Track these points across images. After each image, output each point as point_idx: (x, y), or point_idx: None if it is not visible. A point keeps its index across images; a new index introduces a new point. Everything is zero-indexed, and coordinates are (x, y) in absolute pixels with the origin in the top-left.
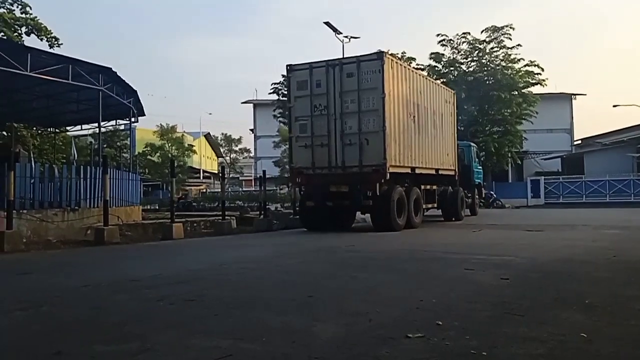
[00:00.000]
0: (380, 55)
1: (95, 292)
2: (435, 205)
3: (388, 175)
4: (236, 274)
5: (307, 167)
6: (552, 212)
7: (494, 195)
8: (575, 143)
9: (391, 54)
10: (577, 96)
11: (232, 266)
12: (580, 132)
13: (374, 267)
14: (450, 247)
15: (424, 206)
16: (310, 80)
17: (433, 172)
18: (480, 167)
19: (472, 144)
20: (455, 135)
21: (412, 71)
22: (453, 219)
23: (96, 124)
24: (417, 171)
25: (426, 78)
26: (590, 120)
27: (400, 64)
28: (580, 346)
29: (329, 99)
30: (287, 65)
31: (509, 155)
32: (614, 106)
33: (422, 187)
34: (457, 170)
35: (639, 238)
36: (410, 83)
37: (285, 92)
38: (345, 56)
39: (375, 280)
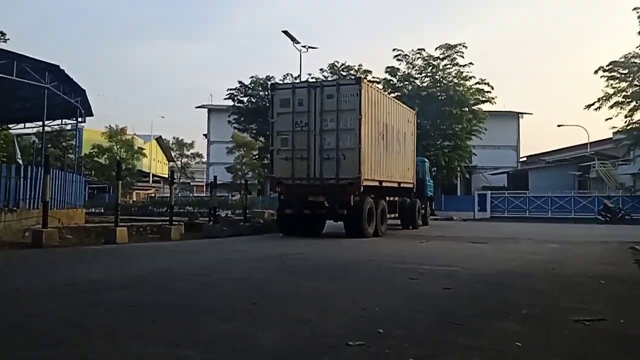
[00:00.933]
0: (358, 80)
1: (27, 297)
2: (396, 215)
3: (362, 187)
4: (179, 280)
5: (287, 178)
6: (497, 226)
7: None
8: (521, 160)
9: (367, 80)
10: (524, 115)
11: (175, 272)
12: (526, 149)
13: (322, 276)
14: (397, 257)
15: (387, 216)
16: (292, 99)
17: (396, 185)
18: (432, 181)
19: (426, 159)
20: (415, 151)
21: (383, 94)
22: (410, 227)
23: (41, 123)
24: (383, 184)
25: (393, 100)
26: (536, 138)
27: (374, 89)
28: (515, 355)
29: (309, 117)
30: (270, 84)
31: (459, 169)
32: (559, 126)
33: (387, 198)
34: (414, 183)
35: (577, 252)
36: (381, 105)
37: (241, 99)
38: (325, 80)
39: (321, 289)
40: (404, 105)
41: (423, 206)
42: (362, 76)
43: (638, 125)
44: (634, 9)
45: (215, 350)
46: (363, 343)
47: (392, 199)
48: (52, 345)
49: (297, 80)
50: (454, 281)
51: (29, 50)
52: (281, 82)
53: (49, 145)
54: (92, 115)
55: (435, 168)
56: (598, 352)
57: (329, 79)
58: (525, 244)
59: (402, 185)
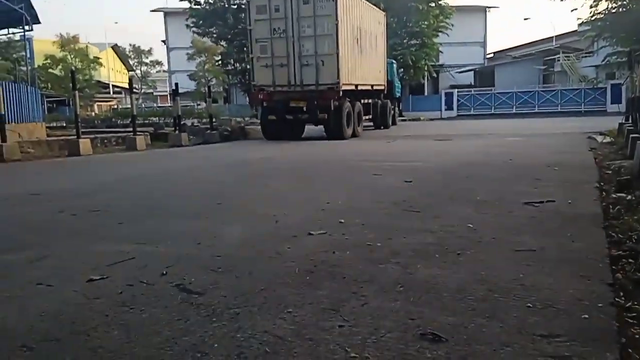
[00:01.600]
0: None
1: None
2: (370, 116)
3: (341, 92)
4: (145, 186)
5: (268, 85)
6: (463, 124)
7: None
8: (488, 56)
9: None
10: (490, 9)
11: (142, 179)
12: (494, 45)
13: (287, 177)
14: (364, 156)
15: (363, 117)
16: (269, 5)
17: (369, 87)
18: (399, 82)
19: (394, 61)
20: (385, 53)
21: None
22: (382, 127)
23: None
24: (359, 87)
25: (365, 2)
26: (503, 34)
27: None
28: (465, 235)
29: (287, 23)
30: None
31: (426, 68)
32: (525, 19)
33: (362, 100)
34: (385, 85)
35: (536, 144)
36: (355, 9)
37: (198, 0)
38: None
39: (285, 188)
40: (374, 7)
41: (392, 107)
42: None
43: (602, 15)
44: None
45: (180, 245)
46: (324, 232)
47: (366, 101)
48: (18, 248)
49: None
50: (415, 175)
51: None
52: None
53: None
54: (39, 22)
55: (402, 69)
56: (543, 228)
57: None
58: (488, 138)
59: (374, 87)
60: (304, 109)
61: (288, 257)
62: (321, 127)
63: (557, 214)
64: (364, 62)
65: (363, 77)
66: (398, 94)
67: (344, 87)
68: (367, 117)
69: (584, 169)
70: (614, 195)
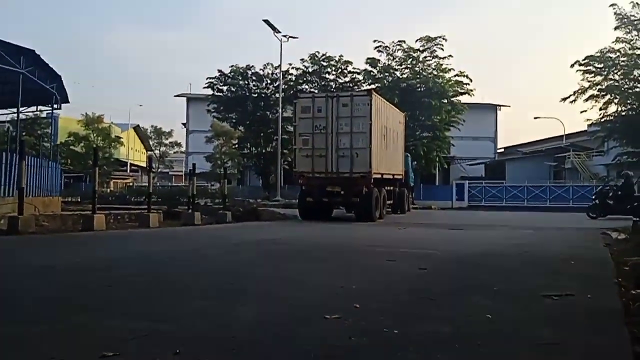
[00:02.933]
0: (369, 92)
1: (5, 277)
2: (391, 201)
3: (372, 180)
4: (158, 263)
5: (308, 172)
6: (474, 214)
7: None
8: (499, 151)
9: (375, 90)
10: (501, 107)
11: (154, 256)
12: (504, 140)
13: (300, 259)
14: (377, 242)
15: (386, 202)
16: (312, 106)
17: (391, 176)
18: (412, 173)
19: (408, 154)
20: (404, 147)
21: (384, 102)
22: (399, 212)
23: (15, 110)
24: (384, 176)
25: (391, 106)
26: (513, 130)
27: (380, 99)
28: (484, 325)
29: (327, 121)
30: (293, 93)
31: (437, 159)
32: (535, 118)
33: (385, 188)
34: (403, 175)
35: (549, 238)
36: (383, 111)
37: (220, 87)
38: (341, 91)
39: (299, 270)
40: (397, 109)
41: (408, 195)
42: (372, 89)
43: (612, 118)
44: (611, 5)
45: (194, 324)
46: (339, 316)
47: (388, 188)
48: (33, 320)
49: (317, 92)
50: (429, 262)
51: (1, 34)
52: (304, 91)
53: (24, 133)
54: (68, 102)
55: (414, 159)
56: (563, 321)
57: (342, 89)
58: (501, 230)
59: (395, 176)
60: (339, 193)
61: (303, 341)
62: (340, 211)
63: (577, 308)
64: (388, 155)
65: (387, 168)
66: (412, 183)
67: (374, 176)
68: (389, 203)
69: (600, 264)
70: (633, 292)
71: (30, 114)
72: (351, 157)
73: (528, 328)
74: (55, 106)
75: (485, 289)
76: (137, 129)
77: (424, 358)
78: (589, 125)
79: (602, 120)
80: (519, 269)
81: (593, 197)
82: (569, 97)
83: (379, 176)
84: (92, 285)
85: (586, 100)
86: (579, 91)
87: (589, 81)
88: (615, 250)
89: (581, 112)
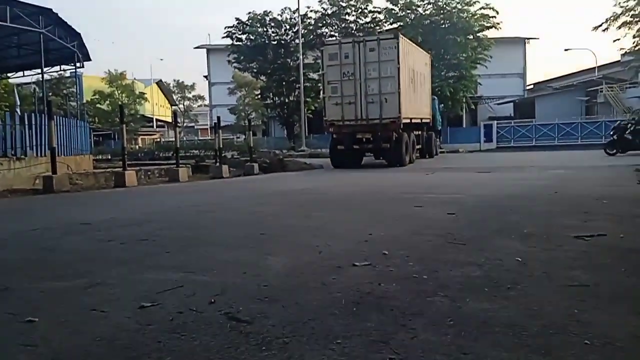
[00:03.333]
0: (396, 35)
1: (44, 235)
2: (420, 146)
3: (402, 125)
4: (190, 216)
5: (338, 120)
6: (503, 156)
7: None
8: (528, 88)
9: (402, 34)
10: (530, 40)
11: (185, 209)
12: (533, 76)
13: (329, 207)
14: (404, 187)
15: (416, 147)
16: (339, 53)
17: (419, 120)
18: (440, 116)
19: (435, 97)
20: (430, 90)
21: (411, 44)
22: (427, 156)
23: (39, 70)
24: (412, 121)
25: (417, 47)
26: (543, 65)
27: (406, 41)
28: (514, 268)
29: (355, 67)
30: (314, 38)
31: (464, 100)
32: (566, 50)
33: (414, 132)
34: (431, 119)
35: (579, 177)
36: (410, 54)
37: (239, 37)
38: (367, 35)
39: (328, 219)
40: (422, 50)
41: (435, 138)
42: (398, 31)
43: None
44: None
45: (226, 275)
46: (369, 263)
47: (417, 132)
48: (71, 275)
49: (343, 39)
50: (457, 207)
51: None
52: (331, 38)
53: (50, 93)
54: (90, 59)
55: (441, 101)
56: (595, 263)
57: (369, 34)
58: (530, 171)
59: (423, 120)
60: (370, 139)
61: (334, 288)
62: (368, 158)
63: (609, 248)
64: (416, 99)
65: (415, 112)
66: (439, 127)
67: (403, 121)
68: (418, 147)
69: (633, 203)
70: None
71: (55, 74)
72: (380, 102)
73: (558, 270)
74: (77, 64)
75: (515, 232)
76: (159, 83)
77: (453, 302)
78: (623, 55)
79: (636, 48)
80: (550, 210)
81: (611, 132)
82: (600, 25)
83: (408, 121)
84: (128, 240)
85: (619, 27)
86: (612, 18)
87: (621, 7)
88: None
89: (614, 40)
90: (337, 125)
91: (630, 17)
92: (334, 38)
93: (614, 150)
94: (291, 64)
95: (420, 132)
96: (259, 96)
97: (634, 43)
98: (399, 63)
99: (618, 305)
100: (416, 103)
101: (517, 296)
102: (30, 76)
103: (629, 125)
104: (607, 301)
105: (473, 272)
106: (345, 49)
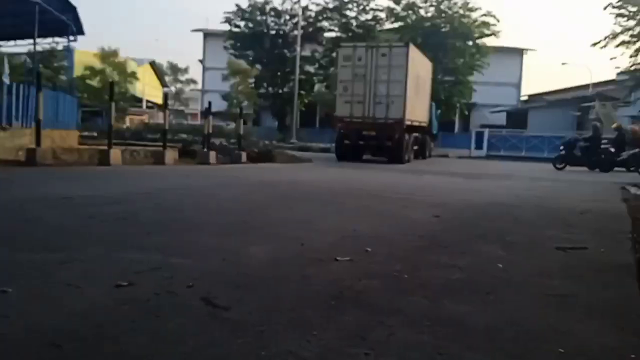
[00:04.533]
0: (407, 44)
1: (23, 207)
2: (416, 147)
3: (405, 126)
4: (173, 199)
5: (346, 117)
6: (492, 164)
7: None
8: (522, 98)
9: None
10: (527, 51)
11: (170, 192)
12: (528, 88)
13: (316, 202)
14: (392, 187)
15: (414, 147)
16: (353, 55)
17: (418, 124)
18: (437, 122)
19: (434, 103)
20: (430, 95)
21: (418, 52)
22: (421, 157)
23: (31, 40)
24: (413, 123)
25: (422, 56)
26: (539, 77)
27: (415, 50)
28: (494, 274)
29: (366, 70)
30: (336, 43)
31: (458, 105)
32: (563, 64)
33: (413, 134)
34: (428, 123)
35: (565, 189)
36: (416, 61)
37: (238, 23)
38: (380, 42)
39: (312, 212)
40: (426, 57)
41: (429, 142)
42: (408, 42)
43: None
44: None
45: (206, 260)
46: (350, 259)
47: (415, 134)
48: (49, 248)
49: (358, 43)
50: (443, 210)
51: None
52: (345, 43)
53: (41, 65)
54: (83, 33)
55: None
56: (575, 274)
57: (363, 27)
58: (519, 180)
59: (421, 124)
60: (374, 137)
61: (314, 280)
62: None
63: (589, 261)
64: (418, 103)
65: (416, 115)
66: (435, 132)
67: (406, 122)
68: (415, 148)
69: (616, 219)
70: None
71: (47, 46)
72: (387, 104)
73: (538, 279)
74: (71, 37)
75: (497, 239)
76: (152, 64)
77: (432, 302)
78: (618, 74)
79: (632, 68)
80: (534, 220)
81: (561, 147)
82: (599, 42)
83: (409, 123)
84: (108, 218)
85: (617, 46)
86: (610, 36)
87: (621, 25)
88: (632, 206)
89: (611, 58)
90: (345, 122)
91: (629, 36)
92: (350, 43)
93: (562, 165)
94: (288, 55)
95: (418, 135)
96: (253, 85)
97: (630, 62)
98: (407, 69)
99: (594, 317)
100: (418, 107)
101: (495, 301)
102: (22, 46)
103: (578, 142)
104: (584, 312)
105: (454, 275)
106: (358, 52)
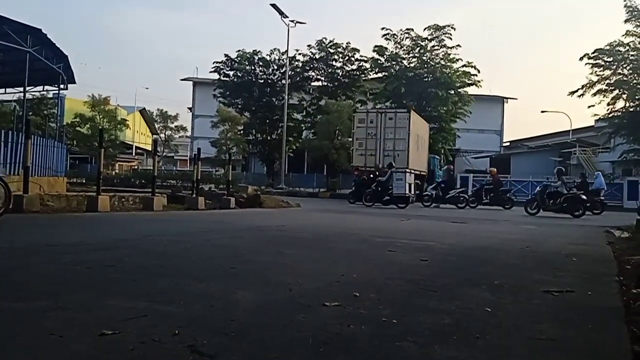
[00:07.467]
0: (409, 110)
1: (7, 254)
2: (418, 192)
3: None
4: (160, 245)
5: (362, 166)
6: (478, 207)
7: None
8: (504, 144)
9: (413, 109)
10: (508, 100)
11: (157, 238)
12: (510, 134)
13: (301, 246)
14: (379, 232)
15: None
16: (366, 118)
17: (418, 173)
18: (439, 172)
19: (436, 156)
20: (428, 150)
21: (418, 116)
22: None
23: (21, 89)
24: (414, 172)
25: (421, 119)
26: (520, 123)
27: (415, 114)
28: (483, 318)
29: (377, 130)
30: (353, 110)
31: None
32: (542, 112)
33: (415, 180)
34: (427, 171)
35: (550, 233)
36: (417, 123)
37: (227, 72)
38: (388, 108)
39: (300, 257)
40: (424, 120)
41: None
42: (411, 107)
43: (619, 113)
44: None
45: (193, 306)
46: (339, 304)
47: (416, 181)
48: (33, 297)
49: (370, 109)
50: (430, 254)
51: (7, 13)
52: (361, 109)
53: (30, 113)
54: (74, 82)
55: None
56: (563, 319)
57: (389, 108)
58: (503, 224)
59: (421, 173)
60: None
61: (302, 326)
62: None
63: (577, 304)
64: (418, 156)
65: (416, 166)
66: (438, 180)
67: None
68: (416, 192)
69: (602, 262)
70: (634, 290)
71: (37, 93)
72: (393, 156)
73: (527, 323)
74: (61, 86)
75: (485, 282)
76: (143, 112)
77: (421, 348)
78: (597, 121)
79: (610, 115)
80: (520, 263)
81: (533, 193)
82: (577, 90)
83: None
84: (94, 265)
85: (594, 94)
86: (588, 85)
87: (597, 75)
88: (617, 249)
89: (589, 106)
90: (360, 170)
91: (606, 85)
92: (363, 108)
93: (535, 210)
94: (276, 102)
95: (418, 181)
96: (242, 131)
97: (607, 110)
98: (409, 130)
99: None
100: (418, 159)
101: (485, 346)
102: (12, 94)
103: (548, 189)
104: (574, 357)
105: (442, 320)
106: (370, 116)
